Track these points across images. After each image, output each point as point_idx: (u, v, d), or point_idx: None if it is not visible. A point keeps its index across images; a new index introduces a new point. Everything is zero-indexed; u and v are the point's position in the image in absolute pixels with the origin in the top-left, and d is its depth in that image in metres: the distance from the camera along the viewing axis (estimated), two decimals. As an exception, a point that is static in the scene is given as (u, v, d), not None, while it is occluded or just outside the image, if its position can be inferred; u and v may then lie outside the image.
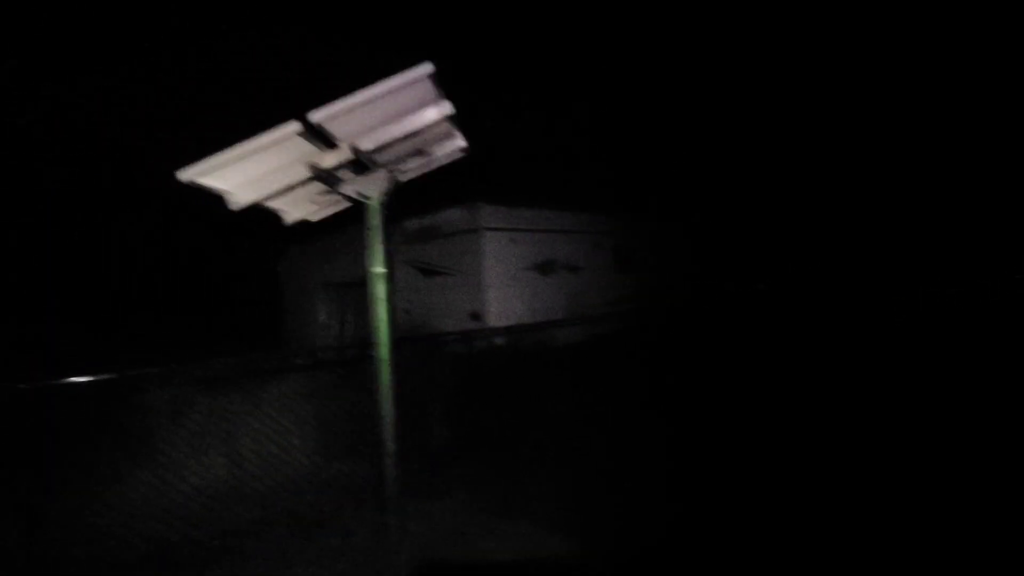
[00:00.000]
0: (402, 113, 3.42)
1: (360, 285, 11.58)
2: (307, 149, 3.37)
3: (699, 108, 18.25)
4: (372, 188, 3.80)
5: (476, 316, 8.91)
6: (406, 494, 3.89)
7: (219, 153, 3.15)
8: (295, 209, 4.21)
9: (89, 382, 4.54)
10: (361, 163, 3.72)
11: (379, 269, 3.78)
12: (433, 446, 5.53)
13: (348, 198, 3.89)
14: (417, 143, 3.89)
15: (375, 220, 3.80)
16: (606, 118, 17.88)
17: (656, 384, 7.82)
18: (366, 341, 4.26)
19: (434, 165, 4.34)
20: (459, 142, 4.18)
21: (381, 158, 3.77)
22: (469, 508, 4.97)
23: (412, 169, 4.18)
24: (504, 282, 8.74)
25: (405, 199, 3.73)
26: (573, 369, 7.39)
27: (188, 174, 3.16)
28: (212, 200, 3.44)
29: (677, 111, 18.43)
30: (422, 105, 3.41)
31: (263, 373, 6.35)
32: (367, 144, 3.43)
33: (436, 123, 3.65)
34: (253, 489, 5.41)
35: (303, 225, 4.45)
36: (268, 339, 13.55)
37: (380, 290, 3.79)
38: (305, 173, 3.48)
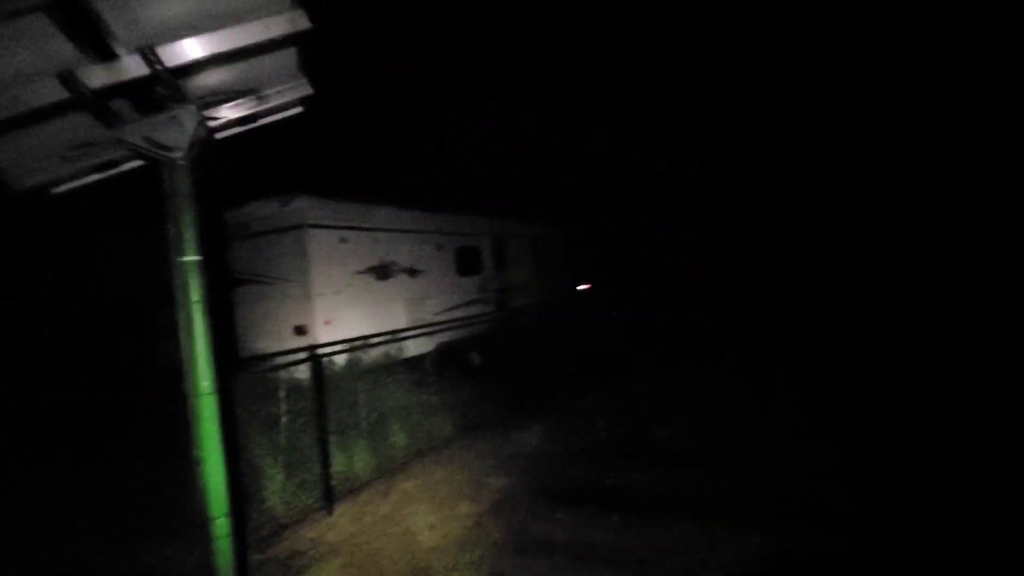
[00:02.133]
0: (230, 16, 2.25)
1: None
2: (61, 51, 2.01)
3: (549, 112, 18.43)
4: (173, 135, 2.51)
5: (301, 330, 7.44)
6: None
7: None
8: (35, 166, 2.63)
9: None
10: (156, 96, 2.42)
11: (191, 256, 2.50)
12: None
13: (135, 150, 2.51)
14: (247, 75, 2.70)
15: (181, 185, 2.51)
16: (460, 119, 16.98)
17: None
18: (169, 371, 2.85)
19: (266, 117, 3.15)
20: (304, 88, 3.08)
21: (191, 87, 2.51)
22: None
23: (235, 118, 2.93)
24: (335, 288, 7.45)
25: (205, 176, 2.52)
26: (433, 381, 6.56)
27: None
28: None
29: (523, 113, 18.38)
30: (264, 8, 2.30)
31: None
32: (170, 57, 2.19)
33: (280, 45, 2.56)
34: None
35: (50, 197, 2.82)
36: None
37: (194, 289, 2.51)
38: (57, 94, 2.08)
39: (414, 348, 7.31)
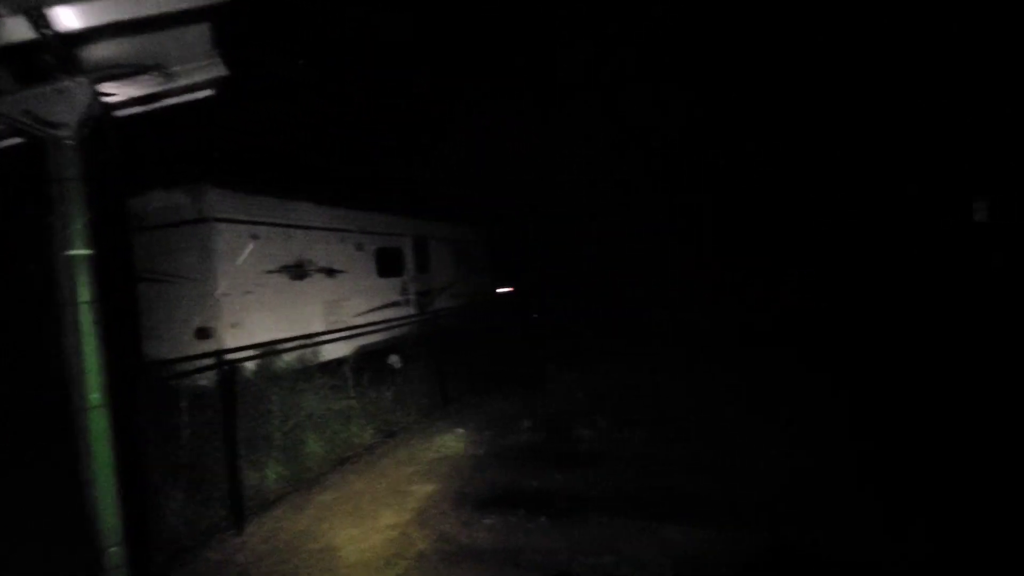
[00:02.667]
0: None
1: None
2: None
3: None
4: (61, 110, 2.19)
5: (205, 333, 6.80)
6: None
7: None
8: None
9: None
10: (43, 65, 2.09)
11: (80, 250, 2.19)
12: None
13: (15, 124, 2.15)
14: (152, 49, 2.42)
15: (69, 168, 2.19)
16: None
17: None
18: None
19: (172, 97, 2.85)
20: (218, 69, 2.81)
21: (84, 58, 2.20)
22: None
23: (136, 96, 2.62)
24: (244, 289, 6.90)
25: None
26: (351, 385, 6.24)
27: None
28: None
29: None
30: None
31: None
32: (60, 21, 1.90)
33: (190, 18, 2.32)
34: None
35: None
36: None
37: (82, 288, 2.20)
38: None
39: (332, 352, 6.96)
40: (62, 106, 2.17)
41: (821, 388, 6.50)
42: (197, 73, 2.76)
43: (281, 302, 7.33)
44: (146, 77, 2.58)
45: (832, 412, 5.67)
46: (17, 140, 2.42)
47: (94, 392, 2.20)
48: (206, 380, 4.46)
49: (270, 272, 7.25)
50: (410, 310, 9.84)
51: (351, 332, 7.46)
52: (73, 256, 2.17)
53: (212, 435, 4.24)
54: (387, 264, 9.36)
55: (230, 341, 6.41)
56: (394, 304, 9.40)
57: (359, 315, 8.48)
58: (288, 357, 6.08)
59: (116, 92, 2.52)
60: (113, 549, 2.24)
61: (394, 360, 8.84)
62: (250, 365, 5.40)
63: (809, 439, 4.99)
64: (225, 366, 4.35)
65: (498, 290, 15.72)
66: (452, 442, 5.93)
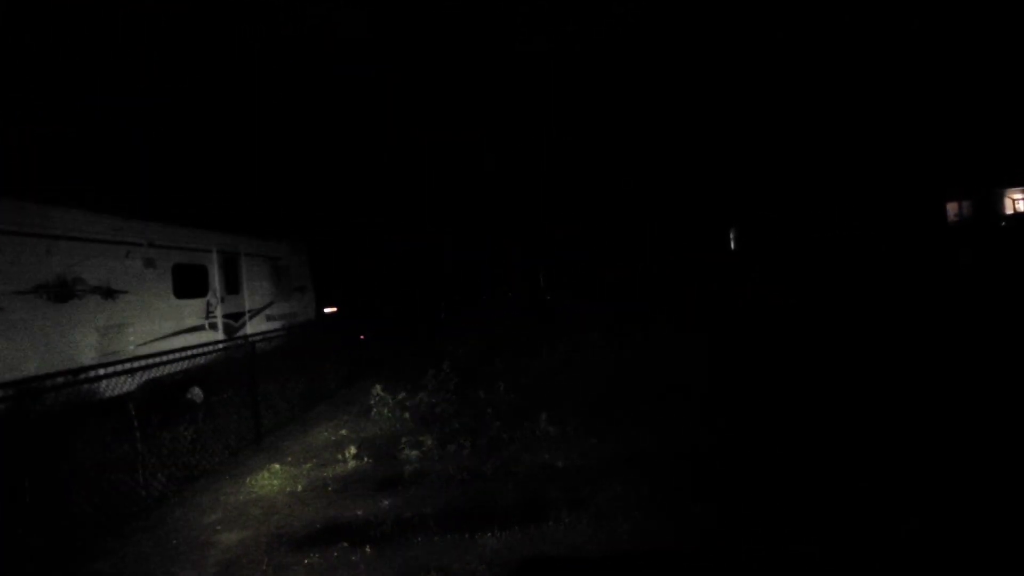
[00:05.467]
0: None
1: None
2: None
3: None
4: None
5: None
6: None
7: None
8: None
9: None
10: None
11: None
12: None
13: None
14: None
15: None
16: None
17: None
18: None
19: None
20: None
21: None
22: None
23: None
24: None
25: None
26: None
27: None
28: None
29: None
30: None
31: None
32: None
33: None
34: None
35: None
36: None
37: None
38: None
39: (112, 388, 5.86)
40: None
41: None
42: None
43: (35, 330, 5.96)
44: None
45: (669, 407, 6.52)
46: None
47: None
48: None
49: (19, 293, 5.86)
50: (217, 335, 8.74)
51: (137, 363, 6.39)
52: None
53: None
54: (187, 283, 8.20)
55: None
56: (196, 329, 8.25)
57: (148, 343, 7.28)
58: (48, 398, 4.99)
59: None
60: None
61: (195, 394, 7.78)
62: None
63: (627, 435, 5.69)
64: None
65: (324, 310, 14.82)
66: (266, 480, 5.42)
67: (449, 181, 19.28)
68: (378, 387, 7.54)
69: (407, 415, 7.24)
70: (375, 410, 7.36)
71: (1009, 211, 15.21)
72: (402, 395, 7.46)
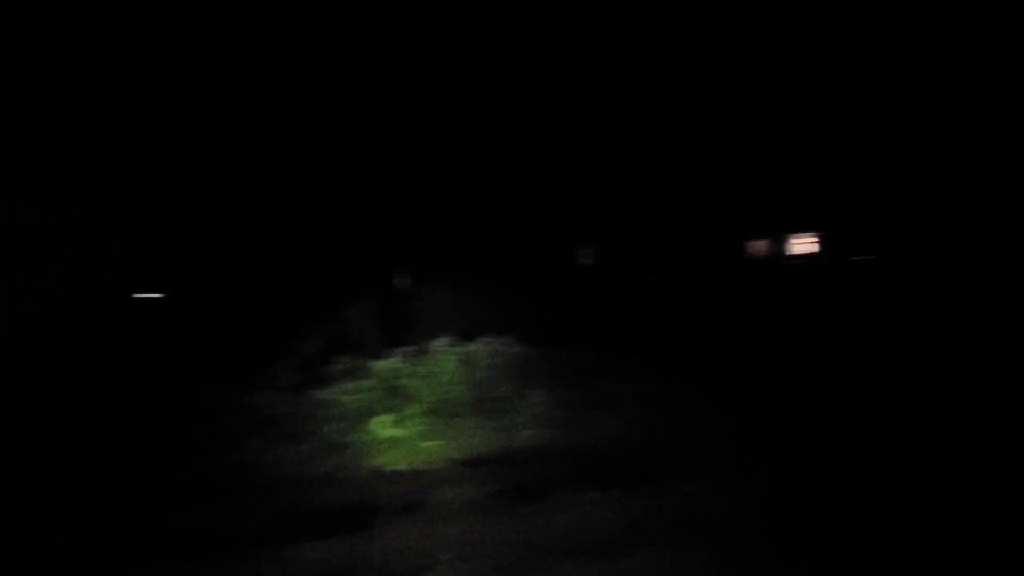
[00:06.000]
0: None
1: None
2: None
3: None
4: None
5: None
6: None
7: None
8: None
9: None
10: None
11: None
12: None
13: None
14: None
15: None
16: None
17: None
18: None
19: None
20: None
21: None
22: None
23: None
24: None
25: None
26: None
27: None
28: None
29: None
30: None
31: None
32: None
33: None
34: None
35: None
36: None
37: None
38: None
39: None
40: None
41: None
42: None
43: None
44: None
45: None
46: None
47: None
48: None
49: None
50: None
51: None
52: None
53: None
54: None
55: None
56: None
57: None
58: None
59: None
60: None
61: None
62: None
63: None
64: None
65: (138, 295, 12.60)
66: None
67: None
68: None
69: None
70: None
71: (790, 252, 20.12)
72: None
